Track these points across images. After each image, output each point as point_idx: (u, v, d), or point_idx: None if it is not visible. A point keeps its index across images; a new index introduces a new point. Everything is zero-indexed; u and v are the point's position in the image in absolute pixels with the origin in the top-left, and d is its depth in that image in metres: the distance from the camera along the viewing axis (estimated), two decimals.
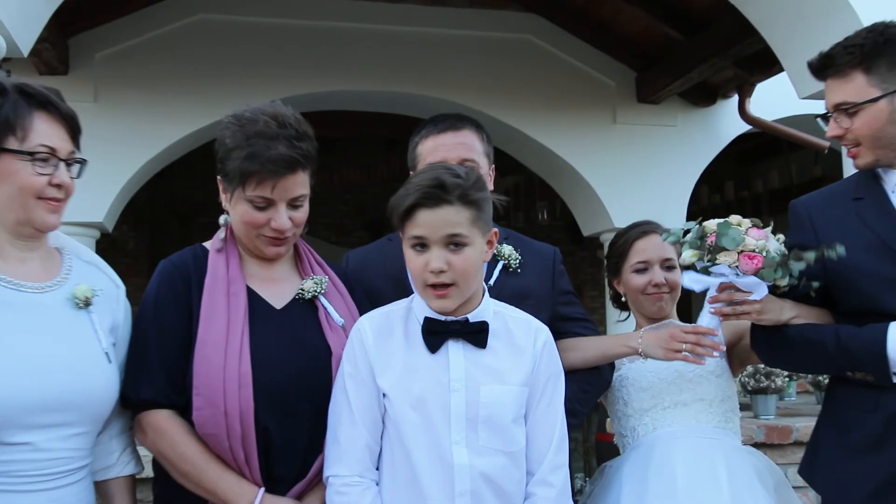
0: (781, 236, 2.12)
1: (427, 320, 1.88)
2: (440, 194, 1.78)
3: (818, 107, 2.17)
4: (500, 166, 2.53)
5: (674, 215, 6.38)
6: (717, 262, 2.05)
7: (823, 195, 2.23)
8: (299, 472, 1.92)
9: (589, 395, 2.35)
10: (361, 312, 2.05)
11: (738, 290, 2.09)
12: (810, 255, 1.99)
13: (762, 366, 4.67)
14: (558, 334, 2.28)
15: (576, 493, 2.00)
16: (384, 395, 1.85)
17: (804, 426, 4.13)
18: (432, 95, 6.43)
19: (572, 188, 7.05)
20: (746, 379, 4.91)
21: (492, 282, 2.22)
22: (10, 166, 1.76)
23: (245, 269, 2.03)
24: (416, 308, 1.93)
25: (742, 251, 2.03)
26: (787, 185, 9.22)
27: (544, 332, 1.98)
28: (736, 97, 6.65)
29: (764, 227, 2.10)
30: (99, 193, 5.58)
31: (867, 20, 3.65)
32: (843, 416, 2.11)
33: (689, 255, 2.10)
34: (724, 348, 2.48)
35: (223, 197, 2.03)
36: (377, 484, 1.86)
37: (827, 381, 2.31)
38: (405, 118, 6.98)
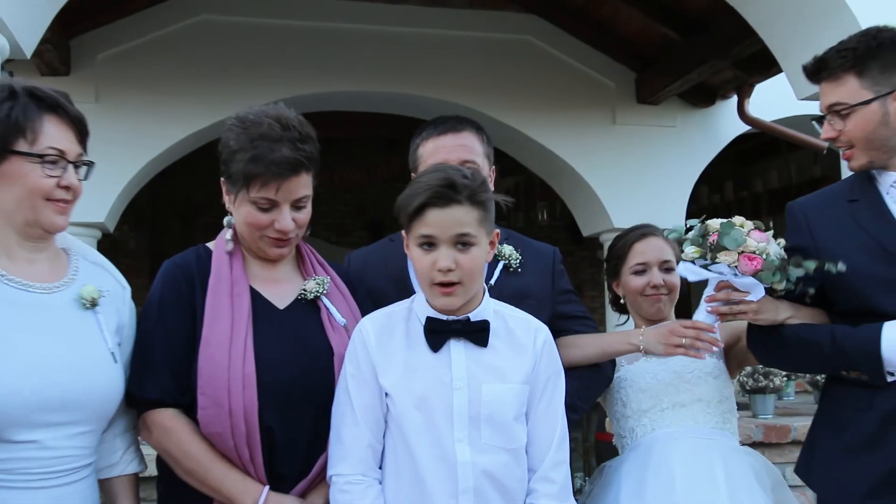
0: (783, 241, 2.14)
1: (429, 320, 1.90)
2: (450, 194, 1.81)
3: (817, 107, 2.20)
4: (500, 167, 2.55)
5: (673, 215, 6.40)
6: (717, 260, 2.08)
7: (819, 197, 2.25)
8: (302, 470, 1.94)
9: (590, 391, 2.37)
10: (363, 313, 2.07)
11: (735, 290, 2.12)
12: (810, 265, 2.02)
13: (760, 366, 4.69)
14: (559, 332, 2.31)
15: (575, 493, 2.02)
16: (386, 394, 1.87)
17: (802, 426, 4.15)
18: (432, 96, 6.45)
19: (572, 189, 7.07)
20: (745, 378, 4.93)
21: (492, 282, 2.24)
22: (19, 168, 1.79)
23: (248, 270, 2.05)
24: (417, 308, 1.95)
25: (742, 252, 2.05)
26: (787, 185, 9.23)
27: (544, 331, 2.00)
28: (735, 98, 6.66)
29: (766, 231, 2.13)
30: (100, 194, 5.60)
31: (865, 21, 3.69)
32: (838, 415, 2.14)
33: (690, 252, 2.12)
34: (722, 345, 2.51)
35: (226, 198, 2.04)
36: (380, 483, 1.88)
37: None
38: (405, 119, 6.99)
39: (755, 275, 2.05)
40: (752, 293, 2.09)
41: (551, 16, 6.60)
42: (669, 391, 2.44)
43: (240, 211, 1.99)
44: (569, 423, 1.99)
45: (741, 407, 4.18)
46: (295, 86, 6.15)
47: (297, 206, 2.00)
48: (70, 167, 1.84)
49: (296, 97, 6.00)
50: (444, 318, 1.90)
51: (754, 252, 2.05)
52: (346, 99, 6.58)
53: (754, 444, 4.25)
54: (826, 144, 6.66)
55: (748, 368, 4.86)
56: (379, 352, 1.89)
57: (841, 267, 2.00)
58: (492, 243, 1.93)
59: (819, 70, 2.12)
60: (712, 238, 2.08)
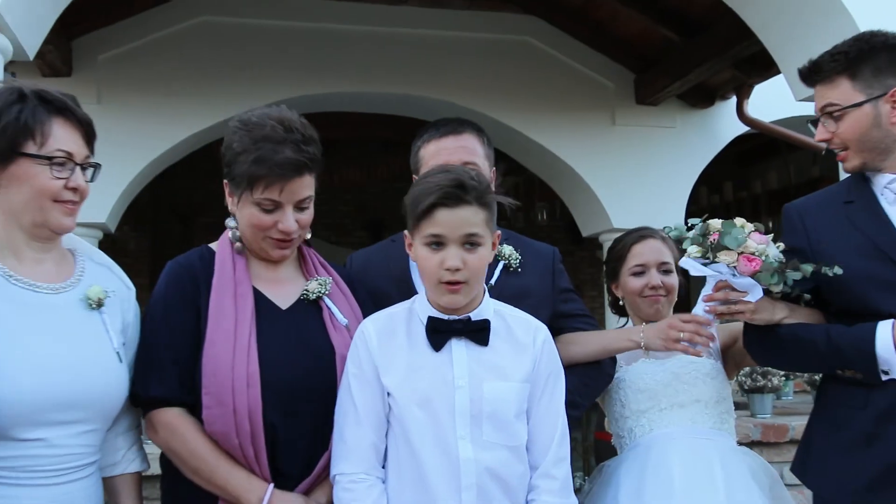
0: (782, 244, 2.17)
1: (430, 319, 1.92)
2: (460, 195, 1.83)
3: (814, 109, 2.23)
4: (499, 167, 2.57)
5: (673, 216, 6.41)
6: (716, 259, 2.10)
7: (815, 199, 2.28)
8: (305, 468, 1.96)
9: (590, 388, 2.38)
10: (365, 313, 2.09)
11: (733, 290, 2.14)
12: (808, 268, 2.04)
13: (758, 366, 4.71)
14: (560, 331, 2.33)
15: (574, 492, 2.04)
16: (389, 393, 1.89)
17: (800, 425, 4.16)
18: (432, 97, 6.47)
19: (572, 189, 7.08)
20: (743, 378, 4.95)
21: (493, 281, 2.26)
22: (28, 170, 1.81)
23: (251, 270, 2.07)
24: (418, 309, 1.97)
25: (742, 252, 2.07)
26: (786, 185, 9.24)
27: (543, 330, 2.02)
28: (734, 99, 6.67)
29: (766, 234, 2.15)
30: (102, 194, 5.62)
31: (863, 23, 3.71)
32: (834, 413, 2.16)
33: (691, 250, 2.14)
34: (718, 342, 2.54)
35: (229, 200, 2.06)
36: (384, 482, 1.90)
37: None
38: (406, 119, 7.01)
39: (753, 276, 2.07)
40: (749, 294, 2.11)
41: (550, 17, 6.61)
42: (668, 392, 2.46)
43: (243, 212, 2.01)
44: (569, 421, 2.01)
45: (739, 406, 4.20)
46: (295, 87, 6.17)
47: (299, 206, 2.01)
48: (77, 169, 1.87)
49: (296, 98, 6.03)
50: (446, 317, 1.92)
51: (754, 253, 2.07)
52: (347, 100, 6.60)
53: (752, 444, 4.28)
54: (825, 145, 6.68)
55: (746, 368, 4.88)
56: (381, 352, 1.91)
57: (837, 270, 2.03)
58: (493, 244, 1.95)
59: (813, 73, 2.16)
60: (713, 237, 2.10)
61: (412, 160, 2.40)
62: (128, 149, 5.69)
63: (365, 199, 9.79)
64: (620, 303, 2.73)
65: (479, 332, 1.92)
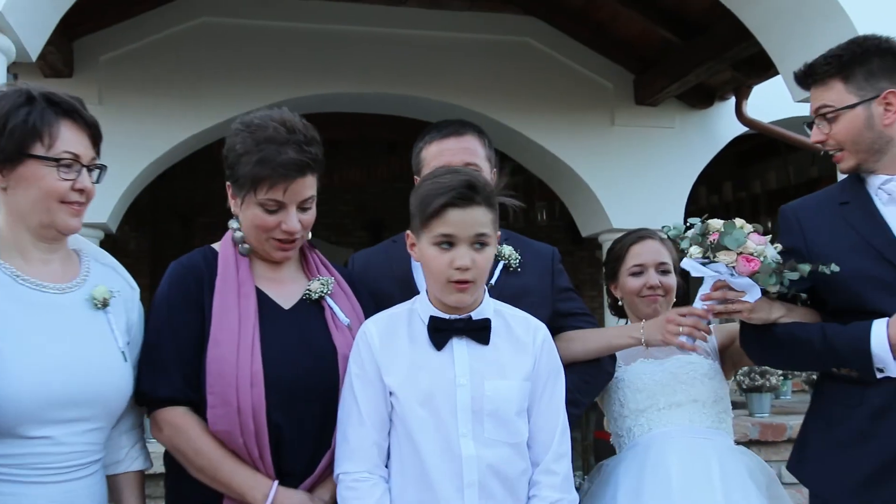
0: (779, 245, 2.19)
1: (432, 319, 1.94)
2: (471, 195, 1.86)
3: None
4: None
5: (672, 216, 6.41)
6: (715, 259, 2.12)
7: (811, 200, 2.31)
8: (308, 466, 1.98)
9: (590, 386, 2.40)
10: (366, 313, 2.11)
11: (731, 289, 2.16)
12: (805, 268, 2.06)
13: (756, 365, 4.74)
14: (560, 329, 2.35)
15: None
16: (391, 393, 1.91)
17: (798, 424, 4.14)
18: (432, 98, 6.48)
19: (571, 189, 7.10)
20: (741, 377, 4.98)
21: (493, 281, 2.28)
22: (36, 171, 1.83)
23: (253, 271, 2.08)
24: (419, 309, 1.99)
25: (741, 252, 2.10)
26: (785, 185, 9.26)
27: (543, 329, 2.04)
28: (733, 99, 6.69)
29: (764, 235, 2.17)
30: (103, 194, 5.56)
31: (860, 25, 3.73)
32: (829, 411, 2.18)
33: (693, 250, 2.16)
34: (716, 341, 2.56)
35: (232, 202, 2.08)
36: (387, 481, 1.92)
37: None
38: (406, 120, 7.03)
39: (752, 276, 2.09)
40: (748, 294, 2.13)
41: (550, 18, 6.62)
42: (666, 391, 2.48)
43: (246, 214, 2.03)
44: (569, 419, 2.03)
45: (738, 406, 4.22)
46: (296, 87, 6.18)
47: (302, 207, 2.03)
48: (84, 170, 1.89)
49: (297, 99, 6.04)
50: (447, 316, 1.94)
51: (752, 254, 2.09)
52: (347, 100, 6.61)
53: (750, 443, 4.30)
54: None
55: (745, 368, 4.90)
56: (383, 352, 1.93)
57: (835, 268, 2.05)
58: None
59: (807, 76, 2.21)
60: (712, 237, 2.13)
61: (414, 161, 2.42)
62: (129, 149, 5.70)
63: (365, 199, 9.81)
64: (619, 303, 2.75)
65: (480, 331, 1.94)
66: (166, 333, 1.99)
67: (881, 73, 2.12)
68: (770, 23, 4.29)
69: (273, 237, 2.03)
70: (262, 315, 2.01)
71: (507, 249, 2.35)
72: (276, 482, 1.93)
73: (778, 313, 2.17)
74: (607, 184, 6.71)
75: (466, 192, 1.86)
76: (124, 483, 2.05)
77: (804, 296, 2.20)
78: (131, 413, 2.04)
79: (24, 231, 1.87)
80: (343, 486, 1.90)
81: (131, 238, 9.10)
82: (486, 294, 2.01)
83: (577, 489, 2.31)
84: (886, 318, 2.00)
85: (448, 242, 1.87)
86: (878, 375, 2.02)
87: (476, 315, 1.95)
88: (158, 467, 2.13)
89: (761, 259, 2.08)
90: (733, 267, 2.10)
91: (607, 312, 3.07)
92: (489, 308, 1.99)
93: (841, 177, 2.37)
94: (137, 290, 2.09)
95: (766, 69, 5.84)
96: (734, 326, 2.43)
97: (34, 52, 3.67)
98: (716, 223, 2.16)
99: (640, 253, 2.63)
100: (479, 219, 1.87)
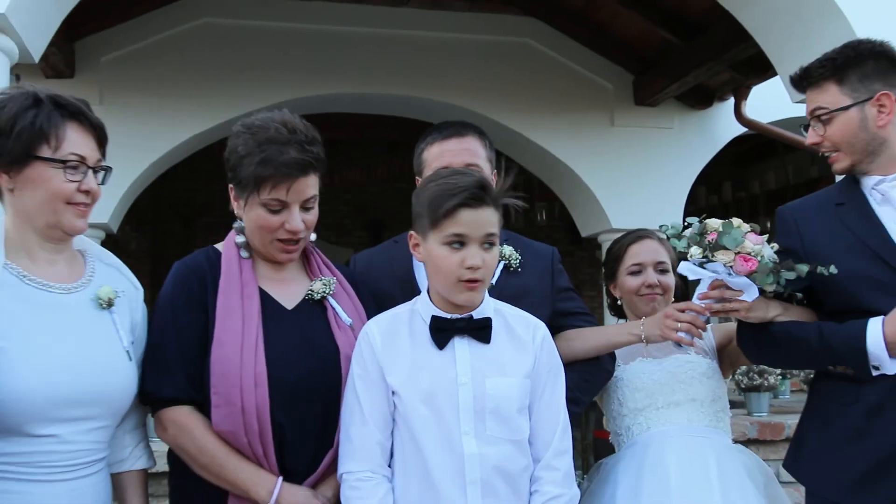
0: (776, 245, 2.21)
1: (434, 318, 1.96)
2: (483, 196, 1.89)
3: None
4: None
5: (671, 216, 6.35)
6: (713, 259, 2.14)
7: (808, 202, 2.34)
8: (310, 464, 1.99)
9: (590, 384, 2.42)
10: (367, 313, 2.13)
11: (728, 288, 2.18)
12: (803, 268, 2.09)
13: (755, 365, 4.76)
14: (561, 328, 2.37)
15: None
16: (394, 392, 1.93)
17: (796, 423, 4.20)
18: (433, 98, 6.49)
19: (571, 190, 7.11)
20: (740, 377, 5.00)
21: (494, 281, 2.30)
22: (43, 173, 1.85)
23: (256, 271, 2.10)
24: (420, 309, 2.01)
25: (739, 252, 2.12)
26: (784, 186, 9.28)
27: (542, 327, 2.07)
28: (732, 100, 6.70)
29: (761, 235, 2.19)
30: (104, 195, 5.51)
31: (858, 26, 3.75)
32: (825, 409, 2.20)
33: (693, 251, 2.18)
34: (714, 340, 2.58)
35: (235, 204, 2.09)
36: (390, 480, 1.93)
37: None
38: (406, 120, 7.05)
39: (749, 275, 2.11)
40: (745, 293, 2.15)
41: (550, 19, 6.63)
42: (664, 391, 2.51)
43: (250, 215, 2.04)
44: (569, 417, 2.05)
45: (736, 405, 4.24)
46: (297, 88, 6.20)
47: (305, 207, 2.05)
48: (90, 172, 1.91)
49: (298, 99, 6.06)
50: (449, 316, 1.96)
51: (750, 253, 2.11)
52: (348, 101, 6.62)
53: (749, 441, 4.32)
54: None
55: (743, 367, 4.92)
56: (385, 352, 1.95)
57: (833, 270, 2.08)
58: None
59: (803, 79, 2.24)
60: (711, 237, 2.15)
61: (415, 162, 2.44)
62: (130, 150, 5.71)
63: (365, 200, 9.82)
64: (619, 302, 2.77)
65: (481, 330, 1.96)
66: (170, 333, 2.01)
67: (875, 75, 2.15)
68: (768, 24, 4.30)
69: (277, 238, 2.04)
70: (265, 315, 2.02)
71: (508, 250, 2.37)
72: (281, 478, 1.94)
73: (775, 312, 2.19)
74: (607, 184, 6.72)
75: (479, 192, 1.89)
76: (128, 481, 2.07)
77: (800, 295, 2.22)
78: (135, 412, 2.06)
79: (31, 232, 1.89)
80: (346, 486, 1.92)
81: (132, 238, 9.11)
82: (486, 293, 2.03)
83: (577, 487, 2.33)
84: (881, 317, 2.03)
85: (459, 242, 1.89)
86: (874, 373, 2.05)
87: (477, 314, 1.98)
88: (161, 466, 2.16)
89: (759, 259, 2.10)
90: (731, 266, 2.12)
91: (607, 312, 3.09)
92: (489, 307, 2.01)
93: (840, 177, 2.39)
94: (141, 290, 2.11)
95: (764, 70, 5.86)
96: (732, 326, 2.46)
97: (37, 53, 3.68)
98: (714, 223, 2.18)
99: (639, 252, 2.66)
100: (489, 219, 1.91)
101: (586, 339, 2.41)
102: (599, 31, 6.61)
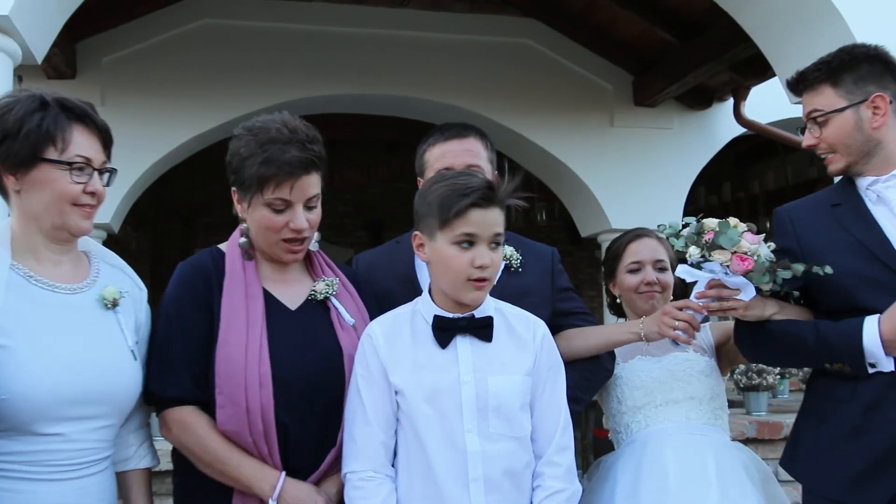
0: (772, 244, 2.24)
1: (436, 318, 1.98)
2: (492, 196, 1.92)
3: None
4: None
5: (671, 216, 6.30)
6: (710, 258, 2.16)
7: (805, 203, 2.37)
8: (313, 463, 2.01)
9: (590, 382, 2.45)
10: (369, 313, 2.15)
11: (726, 287, 2.20)
12: (799, 268, 2.11)
13: (754, 364, 4.78)
14: (561, 328, 2.39)
15: None
16: (397, 391, 1.95)
17: None
18: (433, 99, 6.51)
19: (571, 190, 7.13)
20: (739, 376, 5.02)
21: (494, 281, 2.32)
22: (49, 175, 1.87)
23: (260, 272, 2.11)
24: (422, 309, 2.03)
25: (735, 252, 2.14)
26: (783, 186, 9.28)
27: (542, 326, 2.09)
28: (731, 100, 6.72)
29: (758, 234, 2.22)
30: (106, 195, 5.65)
31: (856, 27, 3.77)
32: (821, 407, 2.22)
33: (692, 250, 2.20)
34: (712, 339, 2.60)
35: (238, 207, 2.10)
36: (394, 480, 1.95)
37: None
38: (406, 121, 7.06)
39: (746, 275, 2.13)
40: (742, 292, 2.17)
41: (550, 20, 6.65)
42: (663, 388, 2.52)
43: (254, 216, 2.05)
44: (571, 414, 2.07)
45: (735, 404, 4.26)
46: (297, 89, 6.21)
47: (308, 205, 2.06)
48: (95, 174, 1.94)
49: (298, 100, 6.08)
50: (451, 315, 1.99)
51: (746, 253, 2.13)
52: (348, 102, 6.64)
53: (747, 441, 4.33)
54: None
55: (742, 367, 4.94)
56: (388, 352, 1.97)
57: (828, 270, 2.10)
58: None
59: (799, 83, 2.28)
60: (707, 236, 2.17)
61: (417, 163, 2.46)
62: (131, 150, 5.70)
63: (365, 200, 9.83)
64: (618, 301, 2.80)
65: (483, 329, 1.98)
66: (175, 334, 2.02)
67: (869, 78, 2.19)
68: (767, 25, 4.32)
69: (282, 238, 2.05)
70: (269, 316, 2.04)
71: (509, 250, 2.39)
72: (284, 473, 1.96)
73: (772, 310, 2.21)
74: (606, 184, 6.74)
75: (489, 192, 1.92)
76: (133, 480, 2.09)
77: (797, 294, 2.25)
78: (140, 412, 2.08)
79: (37, 233, 1.91)
80: (350, 486, 1.94)
81: (132, 238, 9.11)
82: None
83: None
84: (878, 315, 2.05)
85: (469, 242, 1.92)
86: (870, 370, 2.07)
87: (478, 313, 2.00)
88: (164, 464, 2.17)
89: (755, 258, 2.12)
90: (728, 266, 2.14)
91: (606, 312, 3.11)
92: (490, 306, 2.04)
93: (838, 178, 2.42)
94: (145, 290, 2.13)
95: (763, 71, 5.87)
96: (730, 324, 2.47)
97: (40, 54, 3.70)
98: (711, 222, 2.20)
99: (638, 250, 2.68)
100: (497, 219, 1.94)
101: (586, 339, 2.43)
102: (599, 31, 6.63)
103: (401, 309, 2.08)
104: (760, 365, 4.87)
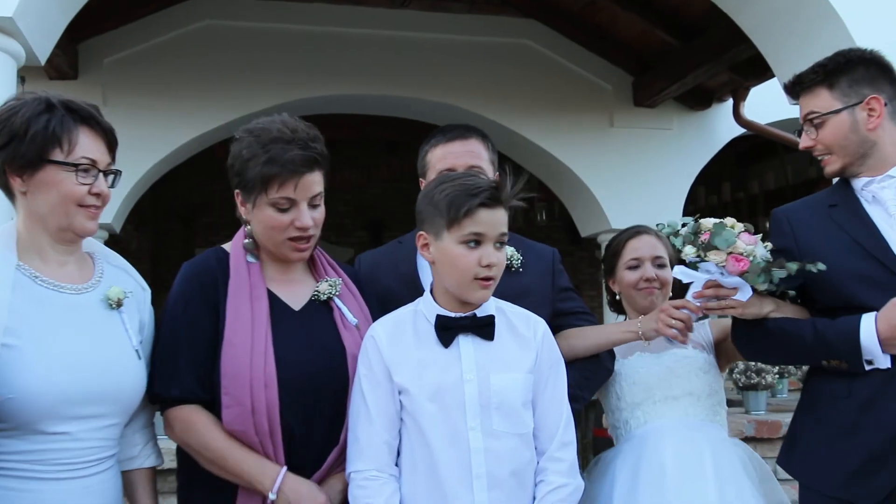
0: (769, 244, 2.25)
1: (439, 317, 2.00)
2: (499, 196, 1.95)
3: None
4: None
5: (670, 217, 6.39)
6: (706, 258, 2.18)
7: (802, 204, 2.40)
8: (317, 462, 2.03)
9: (591, 381, 2.47)
10: (372, 313, 2.17)
11: (722, 287, 2.22)
12: (793, 266, 2.14)
13: (753, 363, 4.80)
14: (561, 327, 2.41)
15: None
16: (401, 391, 1.97)
17: None
18: (432, 99, 6.53)
19: (570, 190, 7.14)
20: (738, 376, 5.03)
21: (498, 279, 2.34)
22: (55, 176, 1.89)
23: (264, 272, 2.12)
24: (424, 309, 2.05)
25: (731, 252, 2.15)
26: (783, 186, 9.29)
27: (542, 324, 2.11)
28: (731, 101, 6.74)
29: (755, 234, 2.24)
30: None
31: (854, 28, 3.79)
32: (818, 405, 2.25)
33: (687, 250, 2.22)
34: (711, 336, 2.62)
35: (242, 209, 2.11)
36: (398, 480, 1.97)
37: None
38: (406, 121, 7.08)
39: (741, 275, 2.15)
40: (740, 292, 2.19)
41: (550, 20, 6.66)
42: (662, 385, 2.54)
43: (259, 217, 2.06)
44: (572, 413, 2.09)
45: (734, 403, 4.27)
46: (298, 89, 6.23)
47: (312, 203, 2.07)
48: (100, 175, 1.95)
49: (298, 100, 6.09)
50: (453, 315, 2.01)
51: (742, 253, 2.15)
52: (348, 102, 6.65)
53: (746, 439, 4.34)
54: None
55: (741, 366, 4.96)
56: (391, 352, 1.99)
57: (821, 266, 2.13)
58: None
59: (795, 85, 2.32)
60: (704, 236, 2.19)
61: (419, 163, 2.48)
62: (133, 150, 5.70)
63: (365, 200, 9.85)
64: (618, 297, 2.81)
65: (484, 328, 2.00)
66: (180, 334, 2.04)
67: (865, 80, 2.22)
68: (766, 26, 4.33)
69: (288, 237, 2.06)
70: (273, 317, 2.05)
71: (510, 250, 2.40)
72: (285, 468, 1.97)
73: (769, 308, 2.24)
74: (606, 185, 6.76)
75: (496, 192, 1.95)
76: (137, 479, 2.10)
77: (793, 293, 2.27)
78: (144, 411, 2.10)
79: (43, 234, 1.93)
80: (354, 485, 1.96)
81: (133, 238, 9.12)
82: None
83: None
84: (874, 313, 2.08)
85: (476, 241, 1.94)
86: (867, 367, 2.10)
87: (480, 312, 2.02)
88: (168, 463, 2.19)
89: (751, 259, 2.14)
90: (723, 266, 2.16)
91: (607, 311, 3.13)
92: (491, 305, 2.06)
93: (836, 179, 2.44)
94: (148, 290, 2.15)
95: (763, 71, 5.88)
96: (729, 322, 2.49)
97: (43, 56, 3.72)
98: (707, 223, 2.22)
99: (637, 247, 2.71)
100: (502, 219, 1.97)
101: (586, 338, 2.45)
102: (599, 32, 6.64)
103: (402, 310, 2.10)
104: (759, 364, 4.89)
